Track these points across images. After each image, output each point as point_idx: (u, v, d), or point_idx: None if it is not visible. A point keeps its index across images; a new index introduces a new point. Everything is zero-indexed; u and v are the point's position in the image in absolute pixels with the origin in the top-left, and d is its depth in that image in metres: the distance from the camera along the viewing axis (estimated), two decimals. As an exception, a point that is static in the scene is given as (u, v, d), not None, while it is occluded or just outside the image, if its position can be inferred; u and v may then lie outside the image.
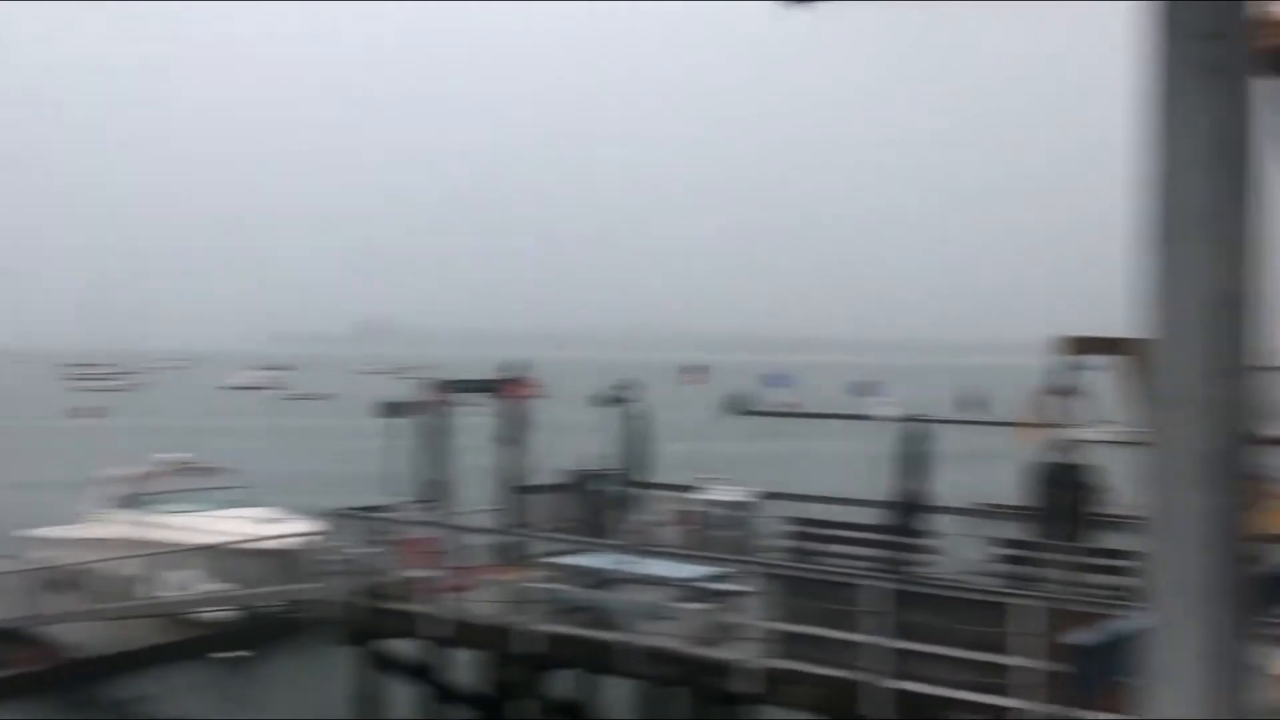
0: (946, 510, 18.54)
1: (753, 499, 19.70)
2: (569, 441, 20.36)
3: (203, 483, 28.90)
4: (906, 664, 13.13)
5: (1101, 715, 10.91)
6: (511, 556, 17.64)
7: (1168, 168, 2.54)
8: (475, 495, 20.06)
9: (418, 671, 18.57)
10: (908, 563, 17.12)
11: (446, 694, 18.59)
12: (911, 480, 18.39)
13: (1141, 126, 2.57)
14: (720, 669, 14.36)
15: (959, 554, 17.40)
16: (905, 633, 13.20)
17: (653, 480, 20.74)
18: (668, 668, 14.92)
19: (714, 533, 19.06)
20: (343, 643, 18.36)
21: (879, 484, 18.93)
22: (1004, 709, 12.42)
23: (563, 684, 18.35)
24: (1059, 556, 14.76)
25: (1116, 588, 13.48)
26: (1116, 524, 14.48)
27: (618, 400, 20.90)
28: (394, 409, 20.11)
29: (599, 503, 19.92)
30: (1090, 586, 14.10)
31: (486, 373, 21.01)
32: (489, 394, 20.29)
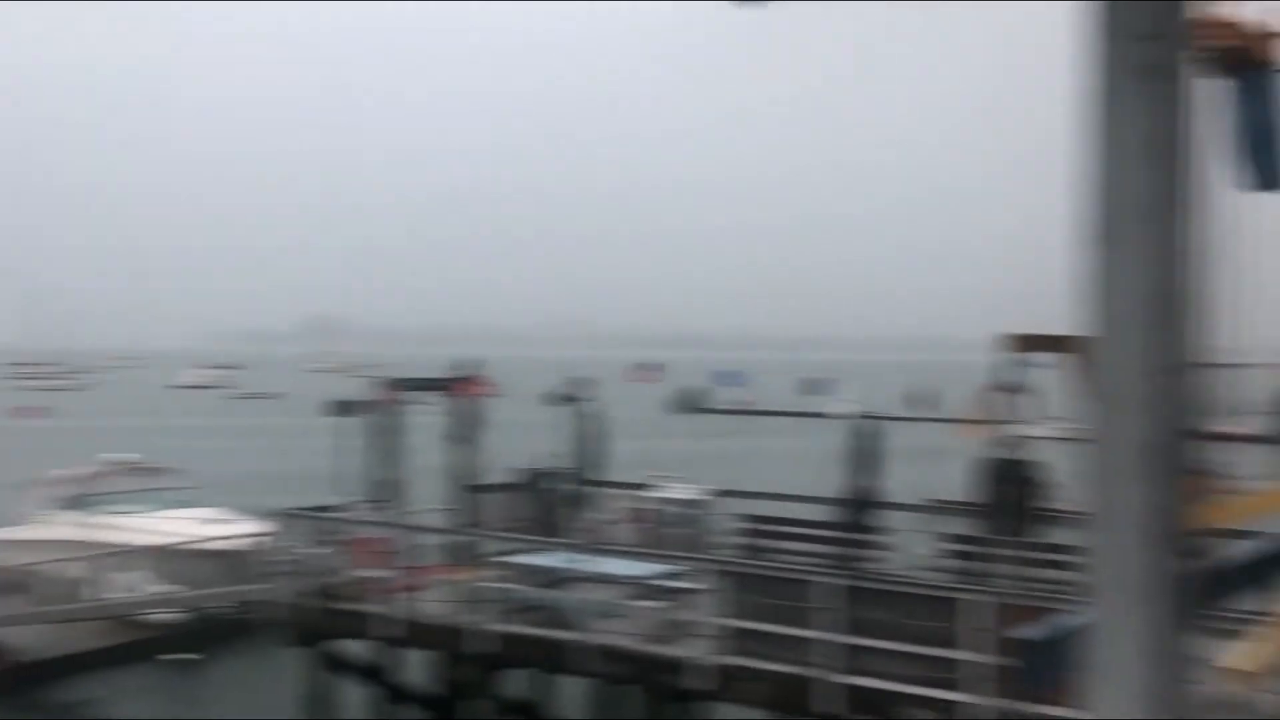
0: (897, 506, 18.69)
1: (706, 496, 19.76)
2: (521, 440, 20.32)
3: (150, 483, 28.54)
4: (858, 659, 13.24)
5: (1049, 709, 11.05)
6: (464, 556, 17.59)
7: (1107, 167, 2.58)
8: (427, 494, 19.96)
9: (369, 672, 18.46)
10: (859, 559, 17.24)
11: (398, 695, 18.50)
12: (863, 477, 18.52)
13: (1081, 126, 2.61)
14: (673, 666, 14.40)
15: (910, 550, 17.55)
16: (857, 628, 13.30)
17: (606, 478, 20.75)
18: (621, 666, 14.94)
19: (667, 530, 19.10)
20: (293, 644, 18.23)
21: (831, 481, 19.05)
22: (954, 703, 12.56)
23: (516, 683, 18.32)
24: (1006, 552, 14.93)
25: (1064, 583, 13.66)
26: (1062, 519, 14.67)
27: (570, 398, 20.89)
28: (344, 408, 19.98)
29: (552, 501, 19.90)
30: (1038, 581, 14.26)
31: (438, 371, 20.91)
32: (440, 392, 20.21)
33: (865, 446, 18.67)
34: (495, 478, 20.06)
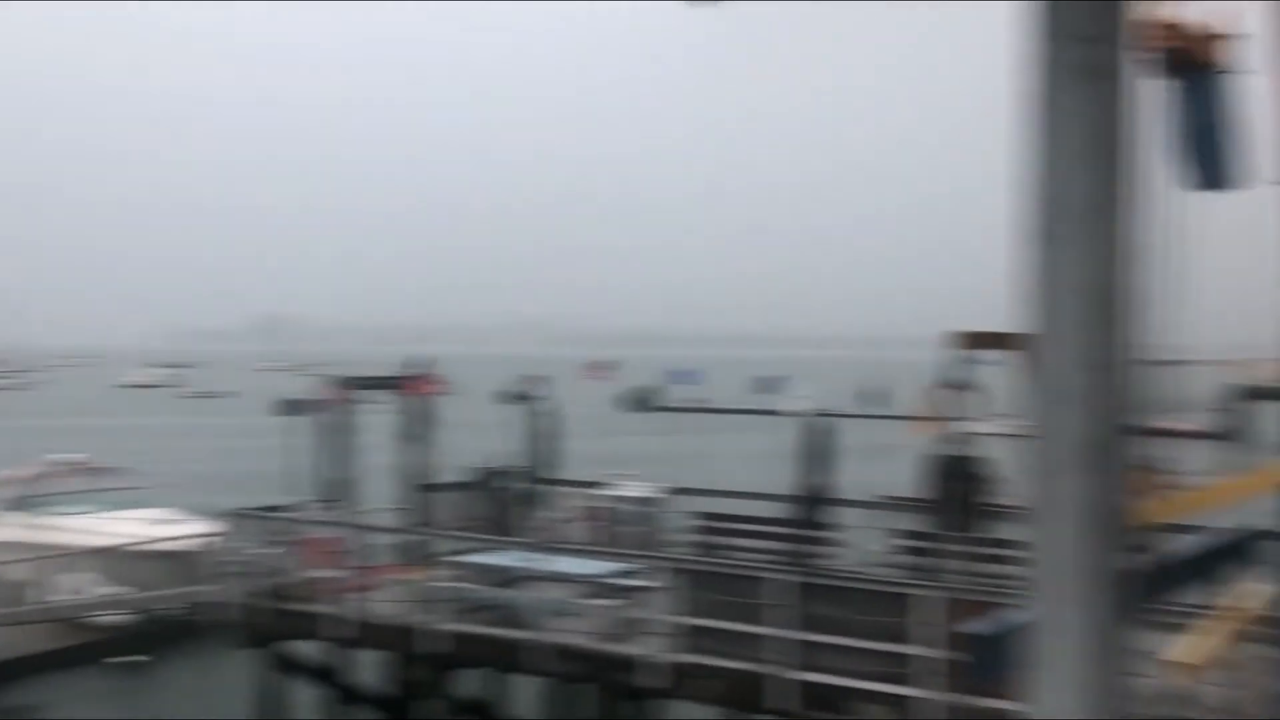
0: (850, 503, 18.80)
1: (660, 494, 19.78)
2: (475, 439, 20.25)
3: (98, 483, 28.16)
4: (812, 656, 13.30)
5: (998, 703, 11.16)
6: (416, 555, 17.50)
7: (1047, 167, 2.60)
8: (379, 494, 19.84)
9: (321, 673, 18.33)
10: (812, 555, 17.32)
11: (350, 695, 18.38)
12: (816, 474, 18.62)
13: (1022, 127, 2.64)
14: (627, 664, 14.40)
15: (862, 546, 17.66)
16: (810, 625, 13.37)
17: (560, 477, 20.72)
18: (575, 665, 14.92)
19: (621, 529, 19.11)
20: (243, 645, 18.06)
21: (784, 478, 19.13)
22: (906, 698, 12.65)
23: (469, 683, 18.26)
24: (956, 547, 15.08)
25: (1012, 578, 13.80)
26: (1009, 514, 14.83)
27: (524, 396, 20.83)
28: (295, 407, 19.83)
29: (505, 500, 19.84)
30: (987, 576, 14.41)
31: (390, 369, 20.79)
32: (392, 391, 20.09)
33: (818, 444, 18.76)
34: (448, 476, 19.97)
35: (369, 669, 18.34)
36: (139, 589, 23.54)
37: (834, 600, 13.58)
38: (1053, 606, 2.62)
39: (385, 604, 16.61)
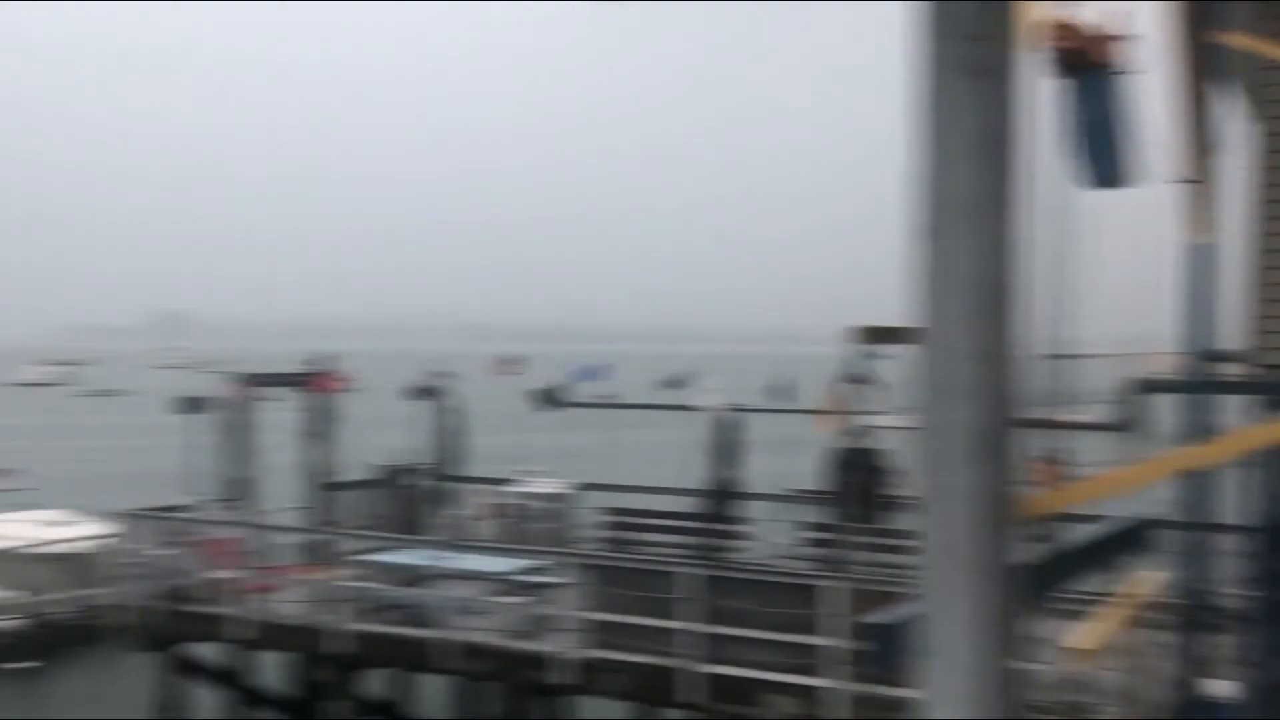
0: (758, 497, 18.96)
1: (568, 490, 19.75)
2: (380, 435, 20.04)
3: (-13, 485, 27.37)
4: (720, 649, 13.38)
5: (901, 692, 11.33)
6: (321, 555, 17.26)
7: (936, 162, 2.63)
8: (282, 493, 19.54)
9: (222, 676, 18.01)
10: (721, 549, 17.43)
11: (253, 698, 18.08)
12: (724, 468, 18.74)
13: (912, 123, 2.66)
14: (536, 661, 14.35)
15: (770, 539, 17.82)
16: (719, 618, 13.44)
17: (467, 474, 20.58)
18: (483, 663, 14.83)
19: (530, 525, 19.04)
20: (141, 649, 17.67)
21: (693, 472, 19.22)
22: (813, 688, 12.79)
23: (375, 684, 18.07)
24: (859, 539, 15.29)
25: (914, 567, 14.06)
26: (909, 505, 15.10)
27: (429, 392, 20.64)
28: (193, 404, 19.44)
29: (411, 498, 19.66)
30: (890, 567, 14.64)
31: (292, 365, 20.48)
32: (295, 387, 19.79)
33: (726, 438, 18.89)
34: (353, 474, 19.73)
35: (272, 671, 18.06)
36: (31, 593, 22.95)
37: (742, 593, 13.67)
38: (943, 596, 2.65)
39: (289, 604, 16.36)
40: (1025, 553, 3.00)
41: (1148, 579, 10.87)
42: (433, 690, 18.23)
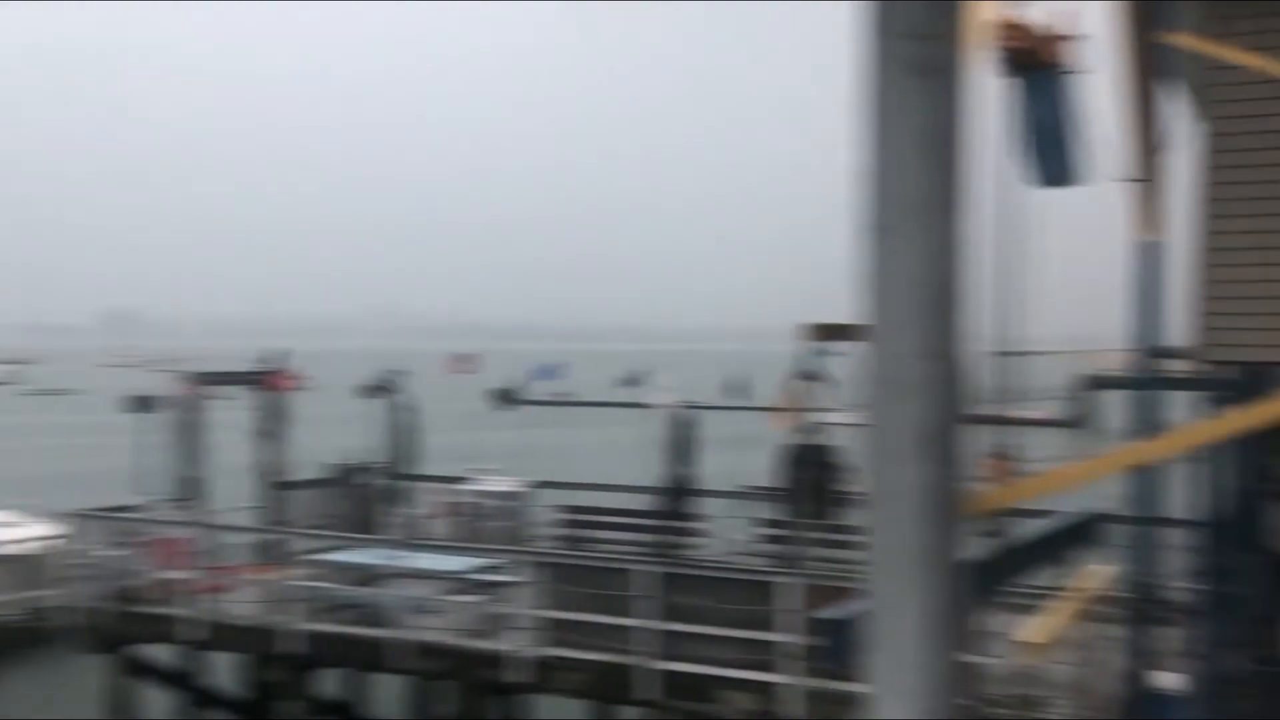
0: (713, 494, 19.00)
1: (523, 489, 19.70)
2: (333, 434, 19.89)
3: (-69, 486, 26.94)
4: (676, 646, 13.40)
5: (855, 686, 11.41)
6: (273, 555, 17.13)
7: (881, 162, 2.63)
8: (234, 492, 19.36)
9: (174, 677, 17.81)
10: (676, 546, 17.45)
11: (205, 699, 17.90)
12: (679, 466, 18.77)
13: (859, 123, 2.66)
14: (492, 660, 14.31)
15: (725, 536, 17.86)
16: (674, 615, 13.46)
17: (421, 472, 20.48)
18: (438, 662, 14.77)
19: (485, 524, 18.97)
20: (91, 651, 17.44)
21: (648, 470, 19.24)
22: (768, 684, 12.83)
23: (330, 684, 17.94)
24: (813, 535, 15.37)
25: (865, 563, 14.13)
26: (861, 501, 15.23)
27: (383, 391, 20.52)
28: (144, 403, 19.23)
29: (365, 497, 19.54)
30: (844, 562, 14.71)
31: (244, 364, 20.29)
32: (247, 386, 19.61)
33: (681, 436, 18.91)
34: (305, 473, 19.59)
35: (224, 672, 17.89)
36: (-22, 595, 22.59)
37: (698, 590, 13.69)
38: (891, 591, 2.66)
39: (241, 605, 16.21)
40: (975, 548, 3.02)
41: (1097, 573, 11.01)
42: (387, 690, 18.12)
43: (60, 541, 20.45)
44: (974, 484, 2.79)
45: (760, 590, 13.12)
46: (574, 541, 18.24)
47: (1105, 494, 8.36)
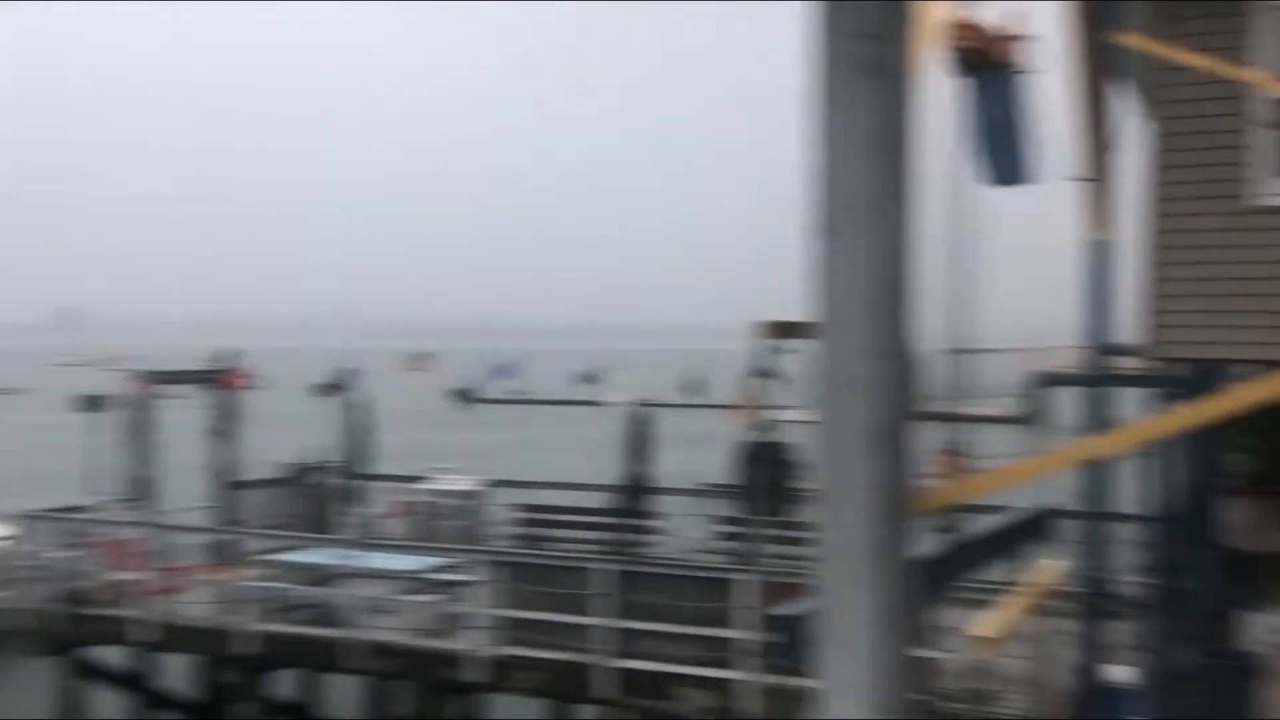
0: (670, 491, 19.03)
1: (480, 487, 19.62)
2: (287, 433, 19.74)
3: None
4: (633, 643, 13.40)
5: (811, 683, 11.46)
6: (226, 555, 16.97)
7: (830, 161, 2.65)
8: (186, 492, 19.17)
9: (125, 680, 17.61)
10: (634, 544, 17.46)
11: (157, 701, 17.71)
12: (637, 464, 18.78)
13: (809, 122, 2.67)
14: (448, 660, 14.25)
15: (682, 533, 17.89)
16: (632, 613, 13.46)
17: (376, 471, 20.37)
18: (393, 662, 14.69)
19: (441, 523, 18.89)
20: (41, 653, 17.21)
21: (606, 468, 19.23)
22: (725, 681, 12.86)
23: (284, 685, 17.81)
24: (769, 532, 15.43)
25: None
26: (813, 498, 15.30)
27: (338, 389, 20.39)
28: (95, 403, 18.99)
29: (319, 496, 19.40)
30: (799, 559, 14.78)
31: (197, 363, 20.09)
32: (200, 385, 19.42)
33: (638, 434, 18.92)
34: (259, 473, 19.42)
35: (177, 674, 17.71)
36: (-77, 599, 22.20)
37: (655, 588, 13.71)
38: (842, 587, 2.68)
39: (193, 606, 16.06)
40: (926, 544, 3.03)
41: (1049, 568, 11.12)
42: (343, 691, 18.01)
43: (9, 543, 20.13)
44: (926, 480, 2.81)
45: (717, 587, 13.16)
46: (531, 540, 18.20)
47: (1057, 490, 8.45)
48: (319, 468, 19.61)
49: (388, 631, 14.76)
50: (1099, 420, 10.34)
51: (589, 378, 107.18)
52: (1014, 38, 9.19)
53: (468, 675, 14.17)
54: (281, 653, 15.52)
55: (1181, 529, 10.31)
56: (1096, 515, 10.68)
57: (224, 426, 19.07)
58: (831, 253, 2.64)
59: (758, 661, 12.60)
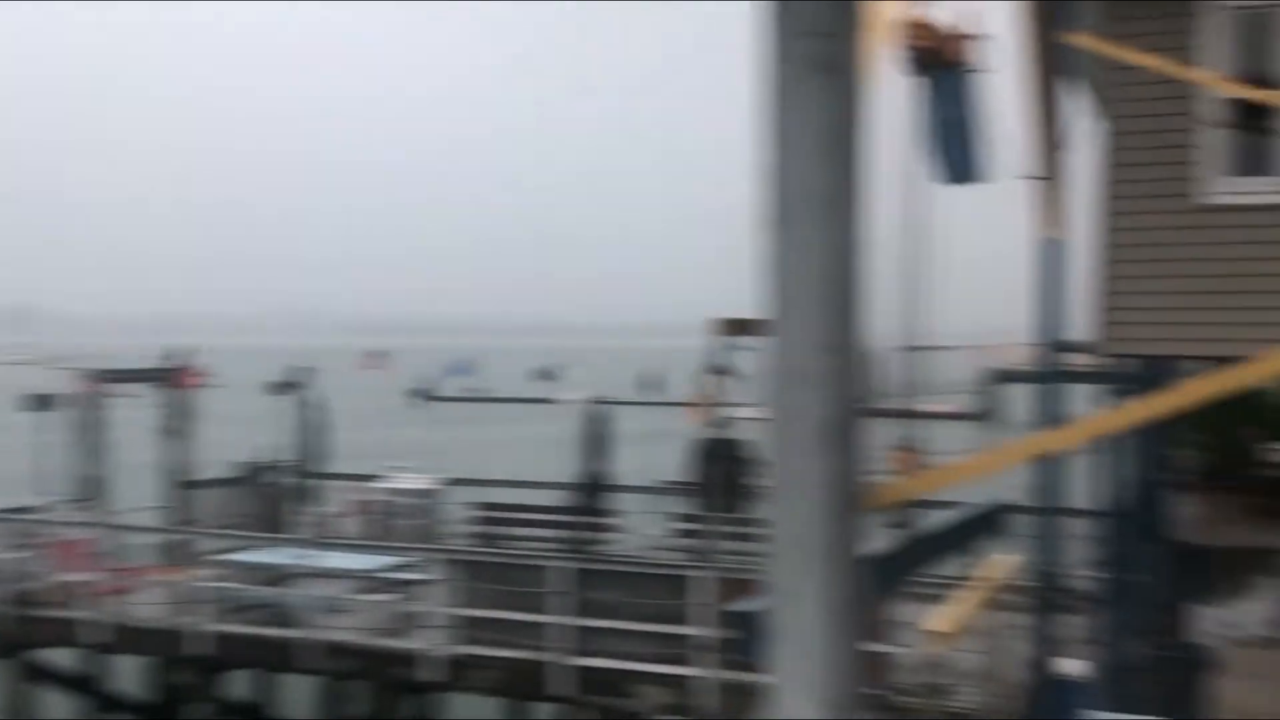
0: (627, 489, 19.03)
1: (437, 486, 19.53)
2: (241, 432, 19.56)
3: None
4: (591, 641, 13.39)
5: (767, 679, 11.50)
6: (178, 555, 16.79)
7: (781, 158, 2.65)
8: (138, 492, 18.96)
9: (76, 682, 17.39)
10: (592, 542, 17.45)
11: (109, 703, 17.50)
12: (594, 461, 18.76)
13: (760, 119, 2.68)
14: (404, 659, 14.18)
15: (641, 531, 17.91)
16: (589, 610, 13.45)
17: (331, 470, 20.22)
18: (349, 661, 14.60)
19: (397, 522, 18.78)
20: (-12, 656, 16.95)
21: (563, 466, 19.20)
22: (683, 678, 12.88)
23: (239, 685, 17.65)
24: (725, 528, 15.48)
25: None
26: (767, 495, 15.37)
27: (292, 388, 20.23)
28: (42, 401, 18.73)
29: (273, 495, 19.24)
30: (755, 555, 14.83)
31: (148, 361, 19.86)
32: (151, 384, 19.21)
33: (596, 431, 18.91)
34: (212, 472, 19.24)
35: (129, 675, 17.50)
36: None
37: (612, 585, 13.70)
38: (793, 583, 2.68)
39: (146, 606, 15.88)
40: (879, 539, 3.04)
41: (1002, 562, 11.22)
42: (298, 691, 17.88)
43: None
44: (878, 476, 2.83)
45: (674, 585, 13.17)
46: (488, 539, 18.15)
47: (1010, 485, 8.52)
48: (273, 467, 19.45)
49: (343, 631, 14.66)
50: (1051, 416, 10.45)
51: (546, 375, 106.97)
52: (966, 37, 9.26)
53: (424, 674, 14.10)
54: (235, 653, 15.39)
55: (1132, 524, 10.44)
56: (1049, 510, 10.79)
57: (176, 425, 18.87)
58: (782, 248, 2.65)
59: (715, 658, 12.62)
